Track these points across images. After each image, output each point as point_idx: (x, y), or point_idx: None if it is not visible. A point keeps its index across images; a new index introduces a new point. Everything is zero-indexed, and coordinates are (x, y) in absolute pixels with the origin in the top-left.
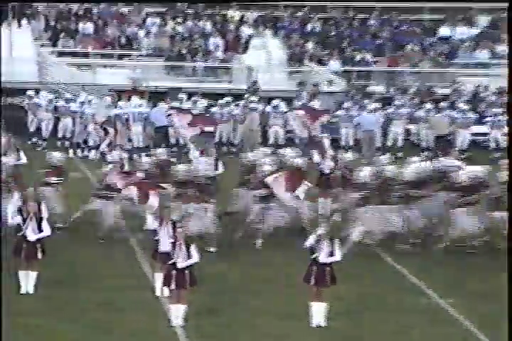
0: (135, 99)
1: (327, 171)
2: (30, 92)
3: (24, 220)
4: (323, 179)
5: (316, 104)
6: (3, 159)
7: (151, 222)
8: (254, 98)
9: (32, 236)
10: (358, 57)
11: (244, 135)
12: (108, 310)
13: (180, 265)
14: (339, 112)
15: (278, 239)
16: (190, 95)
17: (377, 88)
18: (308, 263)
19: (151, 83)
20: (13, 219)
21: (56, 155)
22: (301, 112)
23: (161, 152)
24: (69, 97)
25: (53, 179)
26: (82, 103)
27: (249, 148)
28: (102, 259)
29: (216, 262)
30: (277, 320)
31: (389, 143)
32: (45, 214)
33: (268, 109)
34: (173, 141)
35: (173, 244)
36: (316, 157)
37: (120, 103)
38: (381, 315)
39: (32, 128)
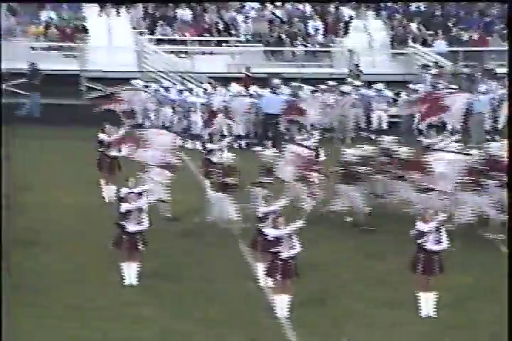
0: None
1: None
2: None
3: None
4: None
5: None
6: None
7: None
8: (358, 82)
9: (132, 227)
10: (466, 37)
11: (337, 120)
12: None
13: (284, 255)
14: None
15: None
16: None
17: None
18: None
19: (252, 69)
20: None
21: (269, 154)
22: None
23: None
24: (168, 85)
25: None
26: (181, 91)
27: (341, 133)
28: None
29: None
30: (386, 309)
31: (499, 126)
32: (144, 205)
33: (371, 92)
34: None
35: (278, 234)
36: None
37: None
38: (489, 305)
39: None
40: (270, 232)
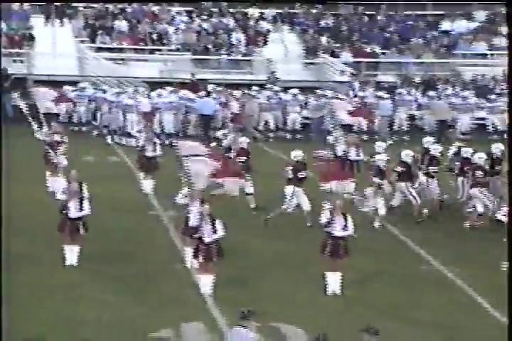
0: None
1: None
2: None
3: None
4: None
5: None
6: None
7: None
8: (276, 88)
9: (74, 213)
10: (368, 49)
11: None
12: (145, 280)
13: (206, 240)
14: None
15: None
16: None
17: (385, 77)
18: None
19: (180, 75)
20: (60, 195)
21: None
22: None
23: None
24: (105, 88)
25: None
26: (118, 94)
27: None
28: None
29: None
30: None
31: (395, 128)
32: (85, 194)
33: (287, 97)
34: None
35: (200, 220)
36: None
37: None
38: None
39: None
40: (192, 220)
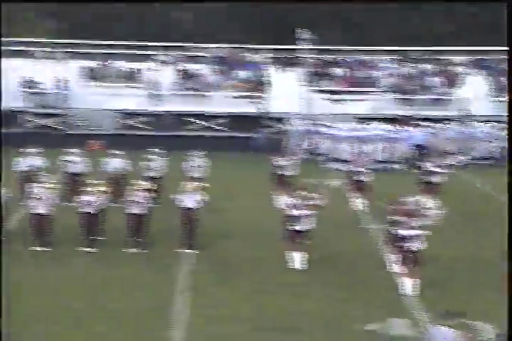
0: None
1: None
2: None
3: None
4: None
5: None
6: None
7: None
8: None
9: (301, 226)
10: None
11: None
12: (356, 282)
13: (413, 248)
14: None
15: None
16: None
17: None
18: None
19: (387, 112)
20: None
21: None
22: None
23: None
24: (325, 123)
25: None
26: (335, 128)
27: None
28: None
29: None
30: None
31: None
32: (309, 211)
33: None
34: None
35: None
36: None
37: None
38: None
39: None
40: (400, 230)
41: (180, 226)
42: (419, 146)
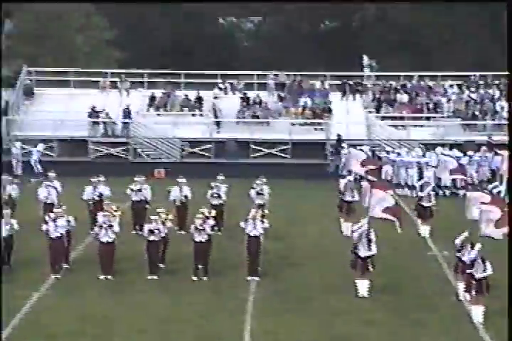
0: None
1: None
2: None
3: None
4: None
5: None
6: None
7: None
8: None
9: (364, 253)
10: None
11: None
12: (422, 309)
13: (477, 276)
14: None
15: None
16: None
17: None
18: None
19: (452, 137)
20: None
21: None
22: None
23: None
24: (389, 150)
25: None
26: (398, 153)
27: None
28: None
29: None
30: None
31: None
32: (373, 236)
33: None
34: None
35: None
36: None
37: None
38: None
39: None
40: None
41: (246, 254)
42: (492, 170)
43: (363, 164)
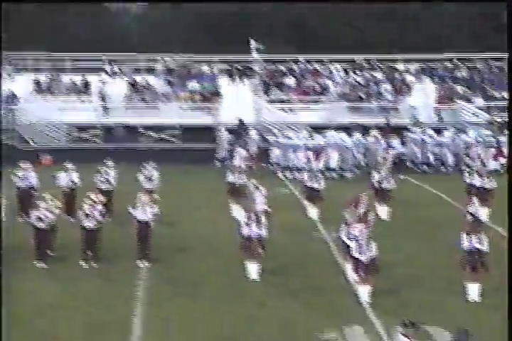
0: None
1: None
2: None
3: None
4: None
5: None
6: None
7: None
8: (417, 129)
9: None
10: (497, 95)
11: None
12: (312, 289)
13: (363, 258)
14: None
15: None
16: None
17: None
18: None
19: (338, 120)
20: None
21: None
22: None
23: None
24: (277, 133)
25: None
26: (287, 137)
27: None
28: None
29: None
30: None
31: None
32: (262, 220)
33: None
34: None
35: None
36: None
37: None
38: None
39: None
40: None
41: (136, 240)
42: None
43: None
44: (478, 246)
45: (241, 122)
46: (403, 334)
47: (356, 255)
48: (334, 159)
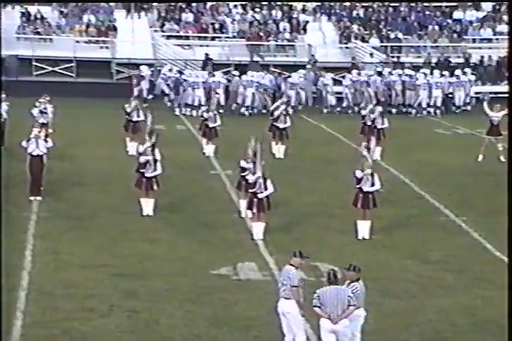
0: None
1: None
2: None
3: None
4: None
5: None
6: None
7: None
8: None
9: (152, 173)
10: (392, 35)
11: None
12: (206, 226)
13: (260, 195)
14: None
15: None
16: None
17: (407, 59)
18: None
19: (236, 58)
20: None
21: None
22: None
23: None
24: (174, 69)
25: None
26: (182, 73)
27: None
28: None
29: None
30: (336, 234)
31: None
32: (158, 156)
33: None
34: None
35: (255, 178)
36: None
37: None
38: (410, 231)
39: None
40: (250, 178)
41: (28, 173)
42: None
43: None
44: (370, 184)
45: (207, 57)
46: (291, 264)
47: (254, 191)
48: (248, 97)
